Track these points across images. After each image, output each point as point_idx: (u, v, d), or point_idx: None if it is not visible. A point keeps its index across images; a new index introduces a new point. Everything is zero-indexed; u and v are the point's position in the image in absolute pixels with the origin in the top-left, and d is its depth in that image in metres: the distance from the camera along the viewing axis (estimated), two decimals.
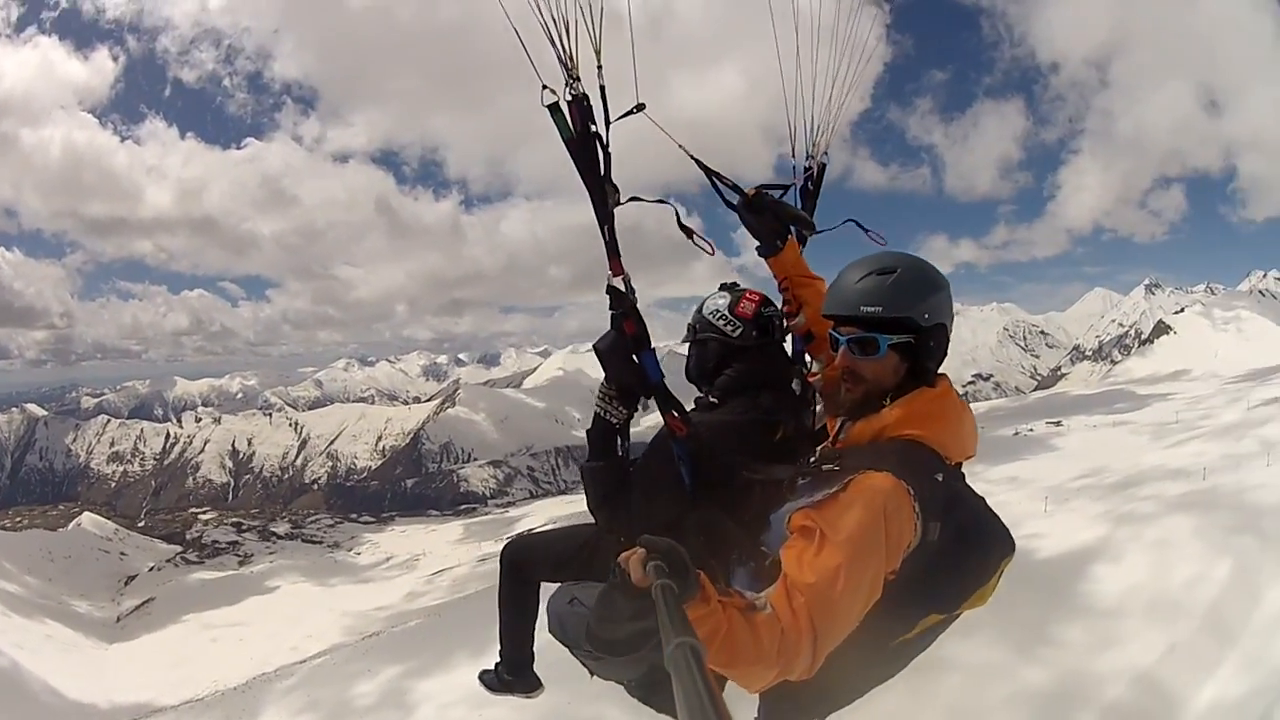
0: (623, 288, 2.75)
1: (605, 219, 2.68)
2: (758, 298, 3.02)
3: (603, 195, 2.68)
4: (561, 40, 2.55)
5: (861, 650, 2.10)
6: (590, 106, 2.59)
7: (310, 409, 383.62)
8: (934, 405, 2.22)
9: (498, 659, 3.67)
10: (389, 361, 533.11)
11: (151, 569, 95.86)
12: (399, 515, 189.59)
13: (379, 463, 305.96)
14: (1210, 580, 7.73)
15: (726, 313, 3.00)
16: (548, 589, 3.50)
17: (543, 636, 3.41)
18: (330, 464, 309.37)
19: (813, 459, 2.34)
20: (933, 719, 5.16)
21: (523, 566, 3.49)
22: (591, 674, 3.07)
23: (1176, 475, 11.96)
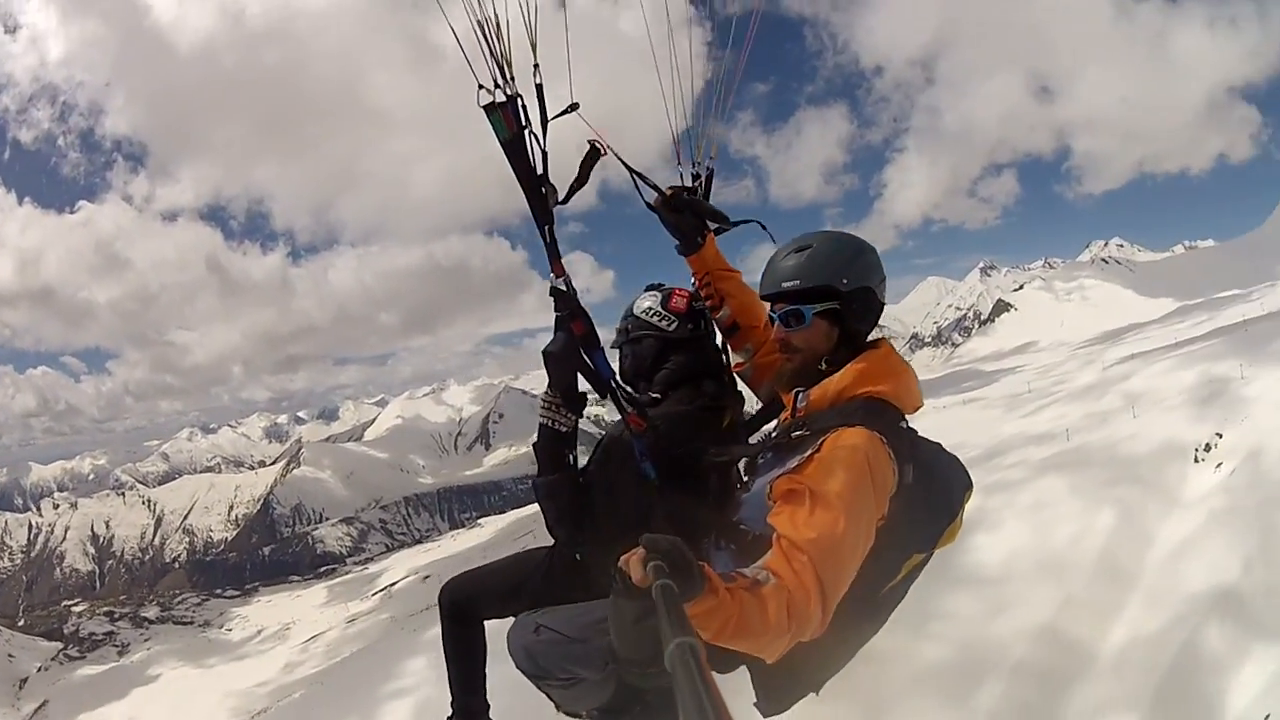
0: (565, 288, 2.75)
1: (545, 220, 2.69)
2: (688, 293, 3.13)
3: (540, 196, 2.67)
4: (494, 40, 2.55)
5: (854, 604, 2.17)
6: (525, 106, 2.60)
7: (160, 484, 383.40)
8: (883, 364, 2.40)
9: (450, 712, 3.38)
10: (230, 427, 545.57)
11: (40, 669, 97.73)
12: (262, 585, 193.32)
13: (234, 533, 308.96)
14: (1095, 531, 7.87)
15: (660, 309, 3.08)
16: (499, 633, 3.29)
17: (495, 677, 3.37)
18: (188, 539, 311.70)
19: (776, 432, 2.51)
20: (848, 714, 4.87)
21: (465, 607, 3.29)
22: (558, 707, 3.03)
23: (1040, 440, 12.38)
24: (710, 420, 2.96)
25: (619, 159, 2.92)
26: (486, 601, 3.30)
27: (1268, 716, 4.59)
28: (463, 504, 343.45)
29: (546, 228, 2.71)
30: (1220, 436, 9.29)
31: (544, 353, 2.78)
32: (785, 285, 2.47)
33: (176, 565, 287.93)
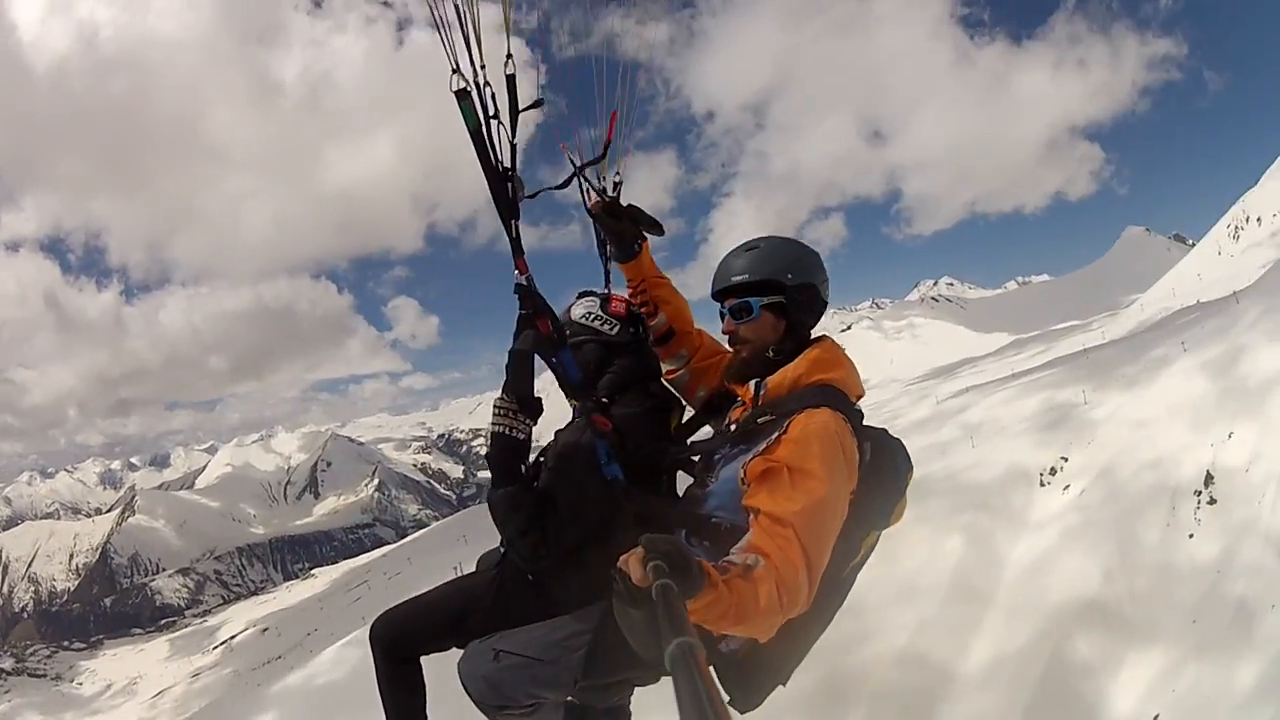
0: (529, 285, 2.75)
1: (510, 214, 2.70)
2: (624, 297, 3.15)
3: (505, 188, 2.67)
4: (468, 25, 2.55)
5: (823, 584, 2.23)
6: (495, 96, 2.62)
7: (5, 529, 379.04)
8: (832, 354, 2.59)
9: None
10: (67, 471, 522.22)
11: None
12: (106, 638, 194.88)
13: (76, 583, 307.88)
14: (944, 556, 8.19)
15: (600, 313, 3.05)
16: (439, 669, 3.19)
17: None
18: (33, 588, 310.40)
19: (736, 424, 2.62)
20: None
21: (403, 643, 3.11)
22: None
23: None
24: (661, 422, 3.00)
25: (572, 162, 3.06)
26: (427, 635, 3.10)
27: (1156, 716, 4.91)
28: (295, 554, 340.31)
29: (513, 222, 2.72)
30: (1066, 460, 9.96)
31: (511, 352, 2.75)
32: (735, 279, 2.65)
33: (25, 615, 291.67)
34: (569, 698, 2.84)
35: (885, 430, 2.70)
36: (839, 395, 2.50)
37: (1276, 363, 21.27)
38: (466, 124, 2.57)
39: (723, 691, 2.58)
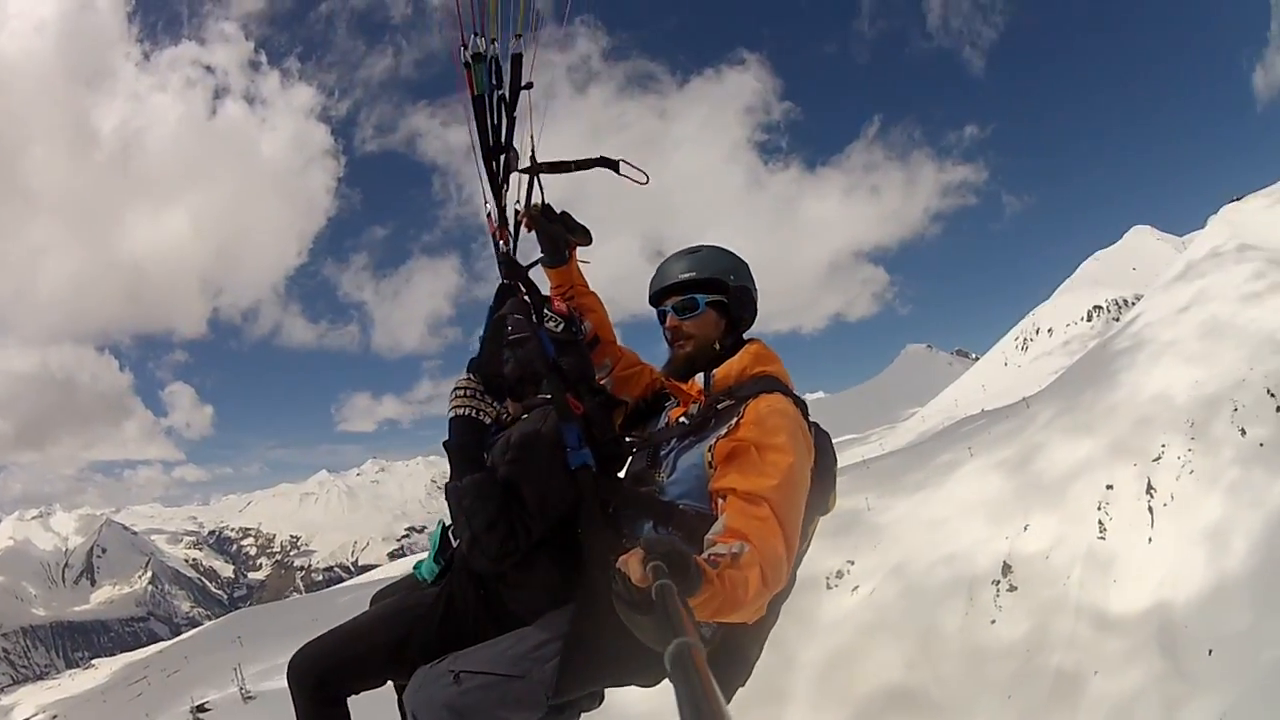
0: (513, 257, 2.88)
1: (502, 184, 2.90)
2: (560, 296, 3.21)
3: (495, 160, 2.83)
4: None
5: None
6: (499, 70, 2.79)
7: None
8: (768, 351, 2.78)
9: None
10: None
11: None
12: None
13: None
14: None
15: (549, 311, 3.04)
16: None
17: None
18: None
19: (677, 419, 2.78)
20: None
21: (329, 681, 2.85)
22: None
23: None
24: (610, 415, 2.99)
25: (529, 163, 3.09)
26: (361, 668, 2.85)
27: None
28: (75, 641, 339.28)
29: (503, 192, 2.84)
30: (853, 563, 10.61)
31: (491, 319, 2.81)
32: (682, 276, 2.81)
33: None
34: (540, 716, 2.65)
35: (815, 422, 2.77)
36: (785, 384, 2.67)
37: (1072, 457, 23.28)
38: (473, 89, 2.72)
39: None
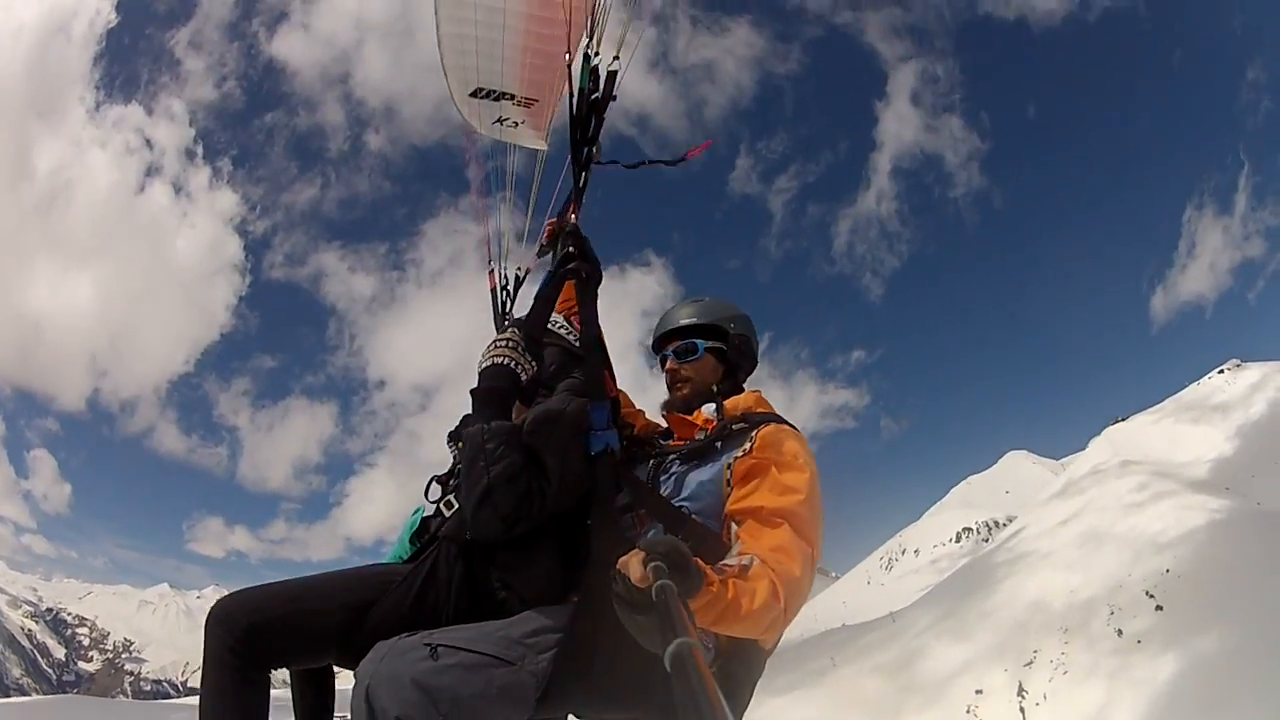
0: (578, 228, 3.04)
1: (583, 168, 3.21)
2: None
3: (584, 148, 3.14)
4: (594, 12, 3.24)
5: None
6: (599, 76, 3.14)
7: None
8: (765, 399, 2.90)
9: None
10: None
11: None
12: None
13: None
14: None
15: (565, 321, 3.17)
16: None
17: None
18: None
19: (676, 447, 2.80)
20: None
21: (262, 638, 2.39)
22: None
23: None
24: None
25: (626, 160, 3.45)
26: (305, 630, 2.47)
27: None
28: None
29: (584, 175, 3.08)
30: None
31: (551, 279, 2.86)
32: (683, 322, 2.98)
33: None
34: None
35: None
36: (792, 425, 2.71)
37: (947, 663, 23.56)
38: (580, 81, 2.99)
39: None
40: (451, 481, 2.97)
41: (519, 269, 4.42)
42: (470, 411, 2.90)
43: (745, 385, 3.05)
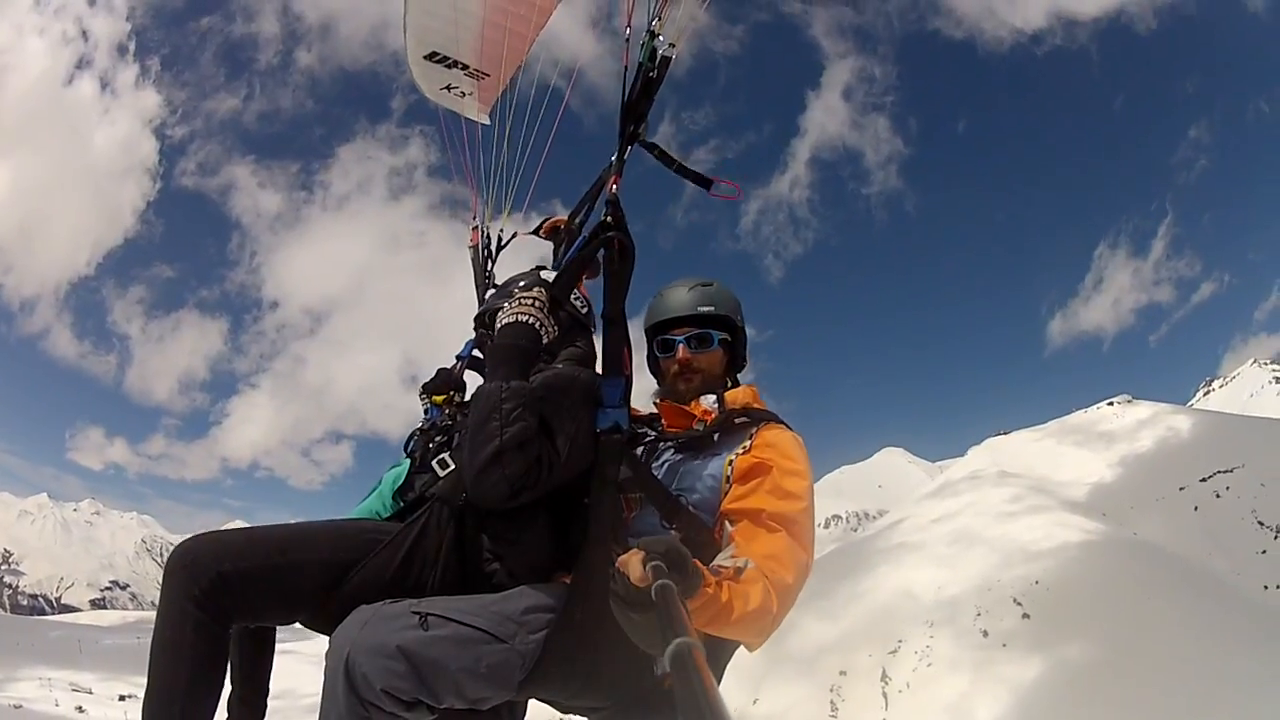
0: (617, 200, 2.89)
1: (629, 141, 2.95)
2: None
3: (632, 124, 2.93)
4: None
5: None
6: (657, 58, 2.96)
7: None
8: (757, 392, 2.89)
9: None
10: None
11: None
12: None
13: None
14: None
15: (575, 290, 3.06)
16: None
17: None
18: None
19: (697, 426, 2.74)
20: None
21: (230, 589, 2.24)
22: None
23: None
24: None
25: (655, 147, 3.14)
26: (280, 585, 2.31)
27: None
28: None
29: (627, 148, 2.90)
30: None
31: (585, 243, 2.70)
32: (701, 309, 2.88)
33: None
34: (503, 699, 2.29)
35: None
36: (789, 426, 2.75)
37: (813, 640, 25.14)
38: (641, 56, 2.92)
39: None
40: (438, 439, 3.01)
41: (502, 232, 4.34)
42: (443, 368, 2.97)
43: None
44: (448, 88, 4.82)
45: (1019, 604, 21.81)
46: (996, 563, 24.15)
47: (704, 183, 3.03)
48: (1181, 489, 28.55)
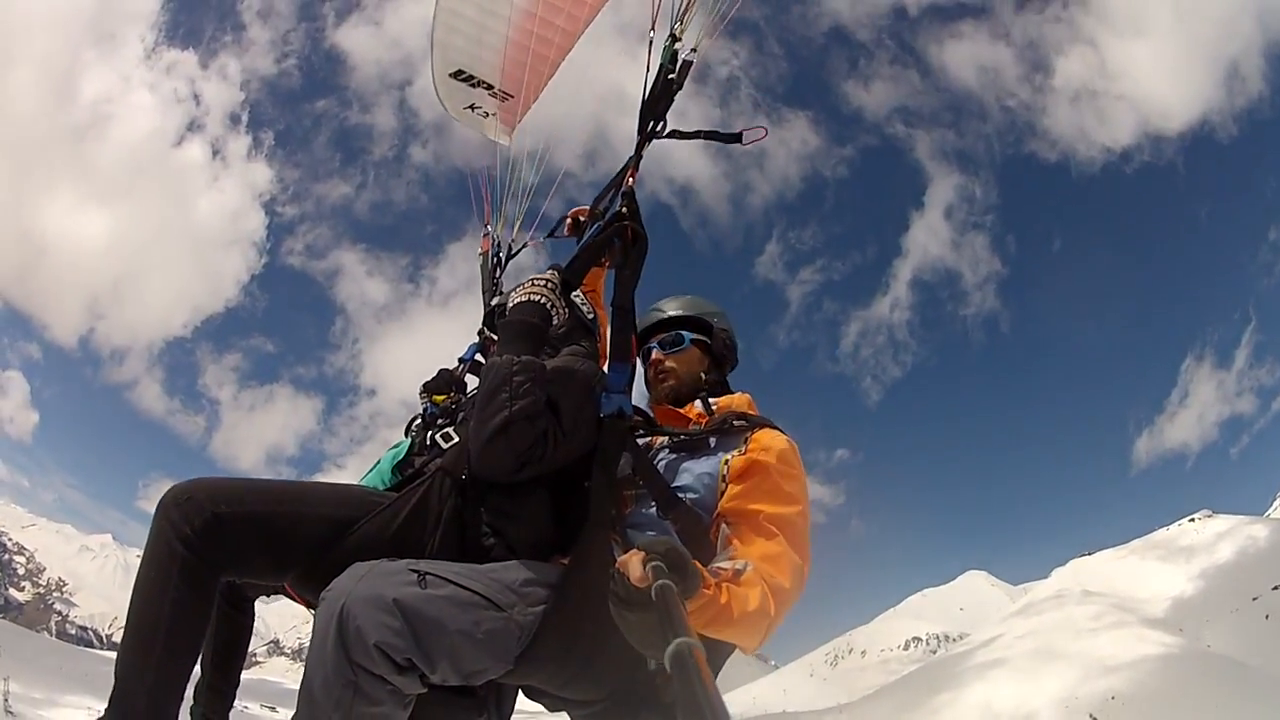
0: (633, 193, 2.99)
1: (648, 138, 3.15)
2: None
3: (652, 120, 3.13)
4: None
5: None
6: (680, 66, 3.21)
7: None
8: (753, 401, 2.93)
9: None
10: None
11: None
12: None
13: None
14: None
15: (583, 295, 3.16)
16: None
17: None
18: None
19: (691, 428, 2.80)
20: None
21: (225, 538, 2.21)
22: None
23: None
24: None
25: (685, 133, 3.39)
26: (278, 538, 2.30)
27: None
28: None
29: (646, 144, 3.14)
30: None
31: (601, 232, 2.87)
32: (671, 312, 3.11)
33: None
34: (497, 673, 2.26)
35: None
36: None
37: None
38: (662, 58, 3.18)
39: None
40: (441, 421, 3.11)
41: (512, 241, 4.53)
42: (445, 369, 3.09)
43: (733, 386, 3.11)
44: (471, 107, 4.90)
45: (1094, 719, 22.16)
46: (1076, 678, 24.66)
47: (734, 139, 3.24)
48: (1255, 599, 28.80)
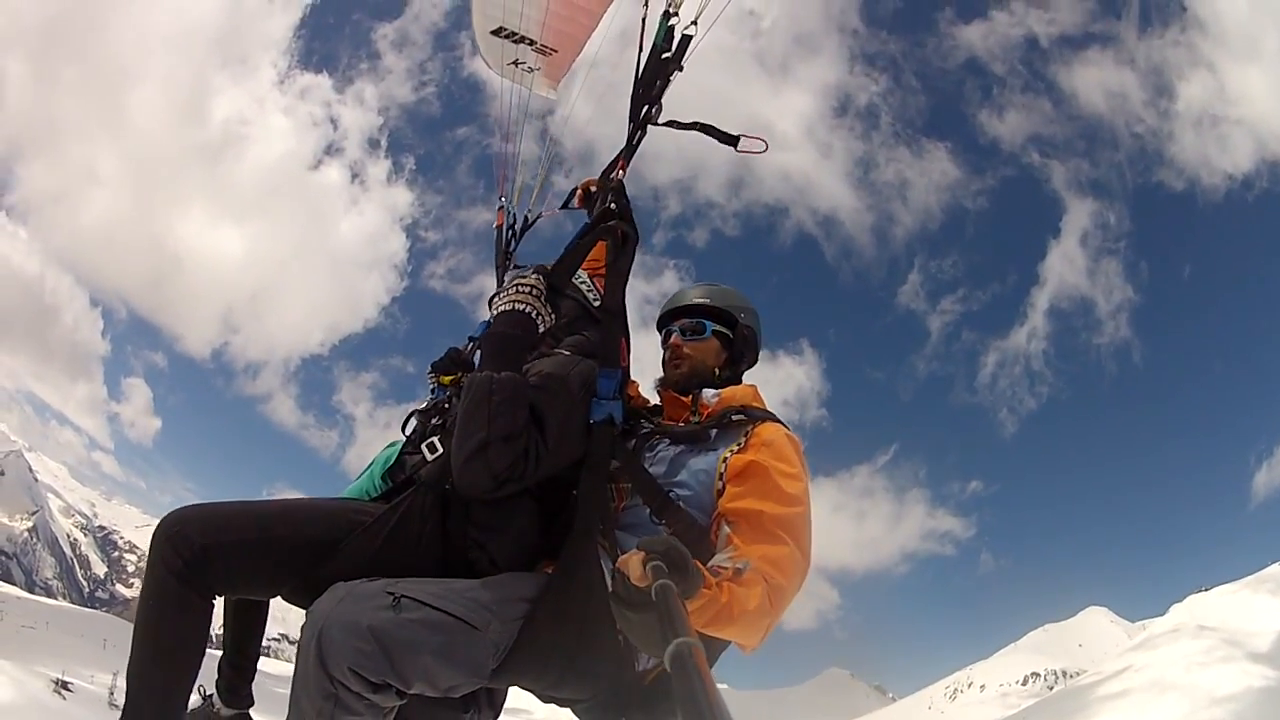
0: (622, 185, 3.01)
1: (640, 128, 3.15)
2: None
3: (645, 105, 3.12)
4: None
5: None
6: (674, 37, 3.15)
7: None
8: (759, 392, 2.99)
9: None
10: None
11: None
12: None
13: None
14: None
15: (589, 280, 3.10)
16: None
17: None
18: None
19: (692, 419, 2.84)
20: None
21: (213, 562, 2.33)
22: None
23: None
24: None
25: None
26: (263, 560, 2.37)
27: None
28: None
29: (638, 133, 3.13)
30: None
31: (590, 228, 2.87)
32: (696, 299, 3.06)
33: None
34: (471, 688, 2.34)
35: None
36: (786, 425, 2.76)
37: None
38: (656, 37, 3.11)
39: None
40: (434, 420, 2.95)
41: (529, 212, 4.43)
42: (454, 347, 3.04)
43: (744, 379, 3.07)
44: (515, 63, 4.82)
45: None
46: (1186, 711, 26.90)
47: (730, 140, 3.15)
48: None
